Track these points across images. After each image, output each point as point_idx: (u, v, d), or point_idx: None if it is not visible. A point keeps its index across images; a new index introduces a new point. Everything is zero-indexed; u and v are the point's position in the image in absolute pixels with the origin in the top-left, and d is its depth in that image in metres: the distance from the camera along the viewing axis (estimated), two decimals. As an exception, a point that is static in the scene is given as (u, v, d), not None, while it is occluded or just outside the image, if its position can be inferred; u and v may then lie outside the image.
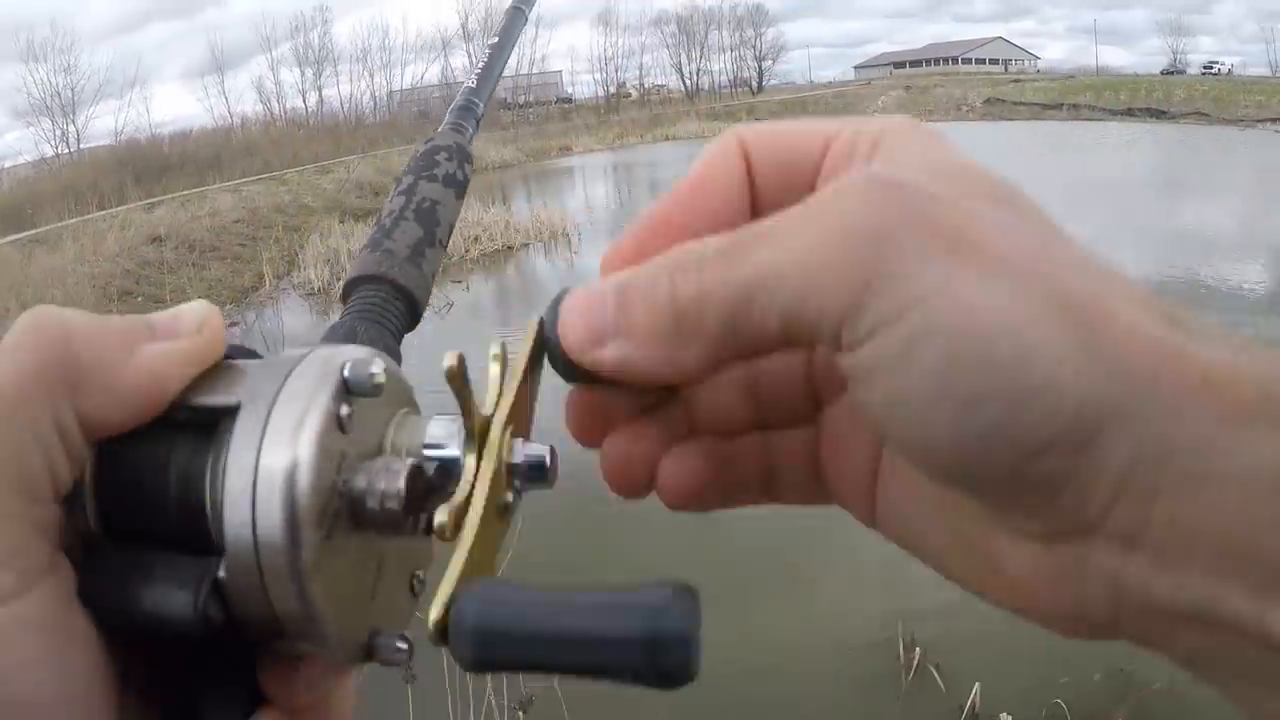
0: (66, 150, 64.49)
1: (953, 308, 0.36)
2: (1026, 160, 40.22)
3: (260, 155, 50.46)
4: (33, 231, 28.08)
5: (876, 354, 0.38)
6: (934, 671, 5.94)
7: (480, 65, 1.07)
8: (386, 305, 0.69)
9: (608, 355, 0.45)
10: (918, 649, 6.07)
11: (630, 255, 0.49)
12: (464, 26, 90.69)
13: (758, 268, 0.40)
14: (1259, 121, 52.03)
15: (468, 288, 19.82)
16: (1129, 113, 64.82)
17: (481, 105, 1.01)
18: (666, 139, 72.88)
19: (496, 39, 1.15)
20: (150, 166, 43.68)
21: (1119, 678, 5.71)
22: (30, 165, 59.50)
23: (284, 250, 25.15)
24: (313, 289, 20.64)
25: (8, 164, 61.75)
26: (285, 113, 79.97)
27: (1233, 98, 60.47)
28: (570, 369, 0.49)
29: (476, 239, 24.05)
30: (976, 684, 5.50)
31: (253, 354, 0.52)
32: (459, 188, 0.82)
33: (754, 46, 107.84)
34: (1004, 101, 76.57)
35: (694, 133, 75.44)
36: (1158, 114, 62.55)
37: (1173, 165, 36.68)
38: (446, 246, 0.79)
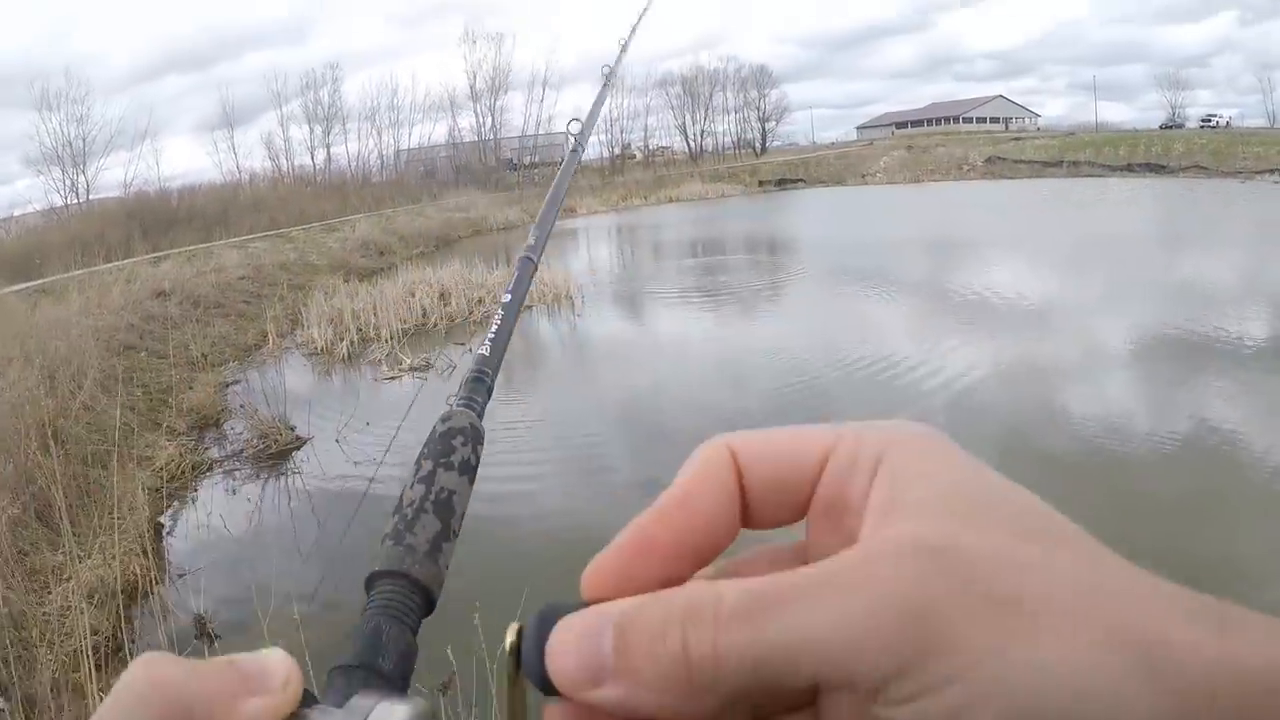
0: (75, 200, 64.86)
1: (1002, 673, 0.36)
2: (1030, 218, 40.48)
3: (267, 212, 50.75)
4: (39, 281, 28.21)
5: (924, 713, 0.37)
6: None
7: (493, 331, 1.15)
8: (407, 600, 0.73)
9: (604, 695, 0.43)
10: None
11: (616, 576, 0.48)
12: (472, 87, 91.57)
13: (791, 632, 0.39)
14: (1258, 173, 52.42)
15: (470, 349, 19.86)
16: (1129, 168, 65.30)
17: (493, 375, 1.09)
18: (670, 200, 73.37)
19: (509, 295, 1.26)
20: (158, 220, 43.87)
21: None
22: (39, 214, 59.82)
23: (288, 308, 25.32)
24: (316, 348, 20.76)
25: (17, 211, 62.11)
26: (293, 169, 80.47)
27: (1231, 150, 61.00)
28: (549, 684, 0.46)
29: (480, 301, 24.21)
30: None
31: (313, 698, 0.55)
32: (472, 473, 0.87)
33: (758, 108, 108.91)
34: (1005, 160, 77.18)
35: (698, 194, 75.88)
36: (1157, 168, 63.03)
37: (1173, 220, 36.93)
38: (459, 534, 0.83)
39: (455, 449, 0.87)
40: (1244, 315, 16.92)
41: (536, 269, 1.41)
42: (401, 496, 0.82)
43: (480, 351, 1.10)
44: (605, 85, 2.43)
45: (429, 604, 0.76)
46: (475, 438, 0.90)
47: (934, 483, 0.44)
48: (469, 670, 4.81)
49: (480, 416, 0.98)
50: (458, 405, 0.98)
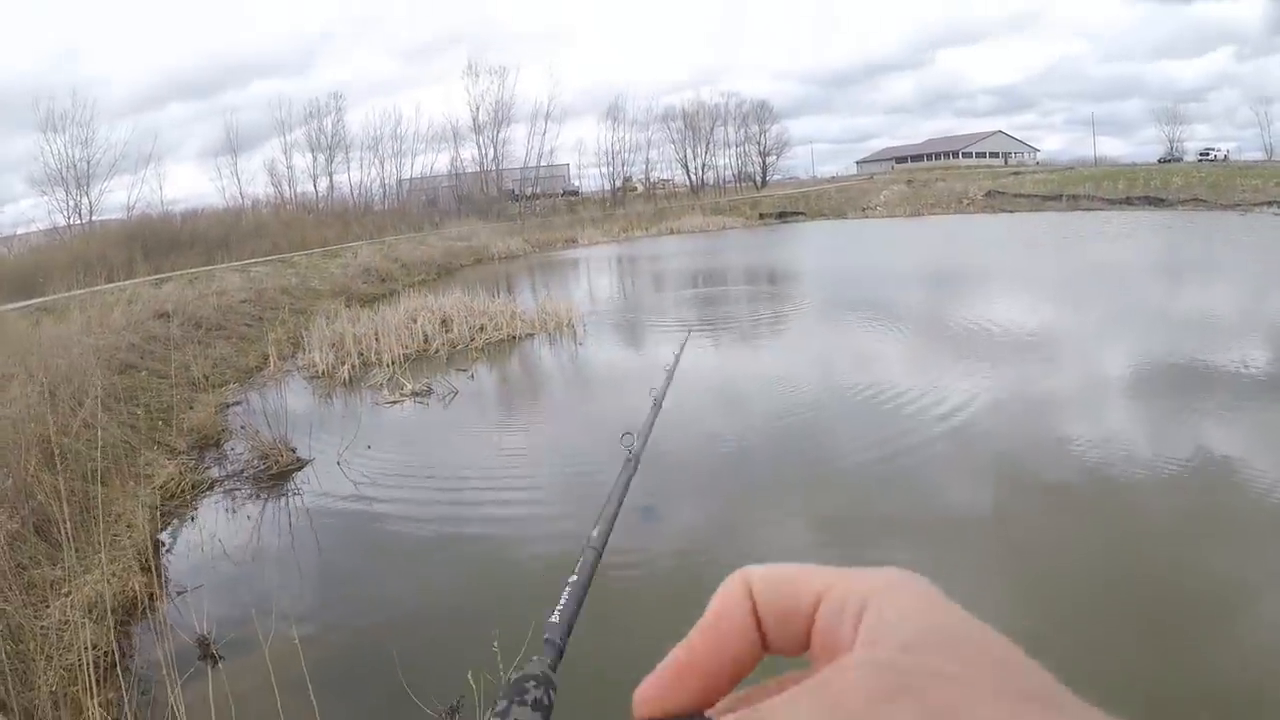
0: (79, 221, 65.00)
1: None
2: (1030, 253, 40.57)
3: (269, 237, 50.99)
4: (41, 299, 28.25)
5: None
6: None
7: (563, 602, 1.33)
8: None
9: None
10: None
11: (660, 698, 0.55)
12: (475, 119, 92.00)
13: None
14: (1255, 205, 52.72)
15: (473, 376, 19.91)
16: (1127, 201, 65.73)
17: (562, 640, 1.21)
18: (671, 232, 73.70)
19: (575, 577, 1.44)
20: (160, 242, 44.02)
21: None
22: (42, 233, 60.03)
23: (289, 332, 25.34)
24: (317, 372, 20.75)
25: (20, 230, 62.25)
26: (296, 196, 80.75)
27: (1230, 182, 61.38)
28: None
29: (482, 328, 24.22)
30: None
31: None
32: (545, 712, 0.95)
33: (758, 142, 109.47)
34: (1004, 194, 77.59)
35: (699, 226, 76.23)
36: (1156, 201, 63.41)
37: (1172, 253, 37.07)
38: None
39: (528, 690, 0.96)
40: (1244, 345, 16.93)
41: (599, 559, 1.65)
42: None
43: (550, 620, 1.26)
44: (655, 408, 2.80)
45: None
46: (548, 683, 0.99)
47: (905, 622, 0.48)
48: (481, 692, 4.75)
49: (554, 670, 1.07)
50: (534, 661, 1.08)
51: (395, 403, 17.73)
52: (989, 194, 78.73)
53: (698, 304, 31.30)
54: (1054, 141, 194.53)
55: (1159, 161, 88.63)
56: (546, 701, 0.95)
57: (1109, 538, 9.46)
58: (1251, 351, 16.71)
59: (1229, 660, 7.08)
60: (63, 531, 8.02)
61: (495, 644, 4.60)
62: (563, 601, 1.32)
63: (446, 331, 23.97)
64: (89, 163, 68.24)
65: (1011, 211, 71.20)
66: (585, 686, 6.99)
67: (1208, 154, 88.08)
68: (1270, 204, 52.89)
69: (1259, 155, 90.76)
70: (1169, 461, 11.42)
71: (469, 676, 4.76)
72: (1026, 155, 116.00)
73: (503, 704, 0.92)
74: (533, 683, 0.96)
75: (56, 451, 8.96)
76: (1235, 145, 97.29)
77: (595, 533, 1.71)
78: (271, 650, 5.81)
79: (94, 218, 65.37)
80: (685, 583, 9.21)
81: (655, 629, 8.30)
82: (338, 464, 13.47)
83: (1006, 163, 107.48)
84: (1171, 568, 8.63)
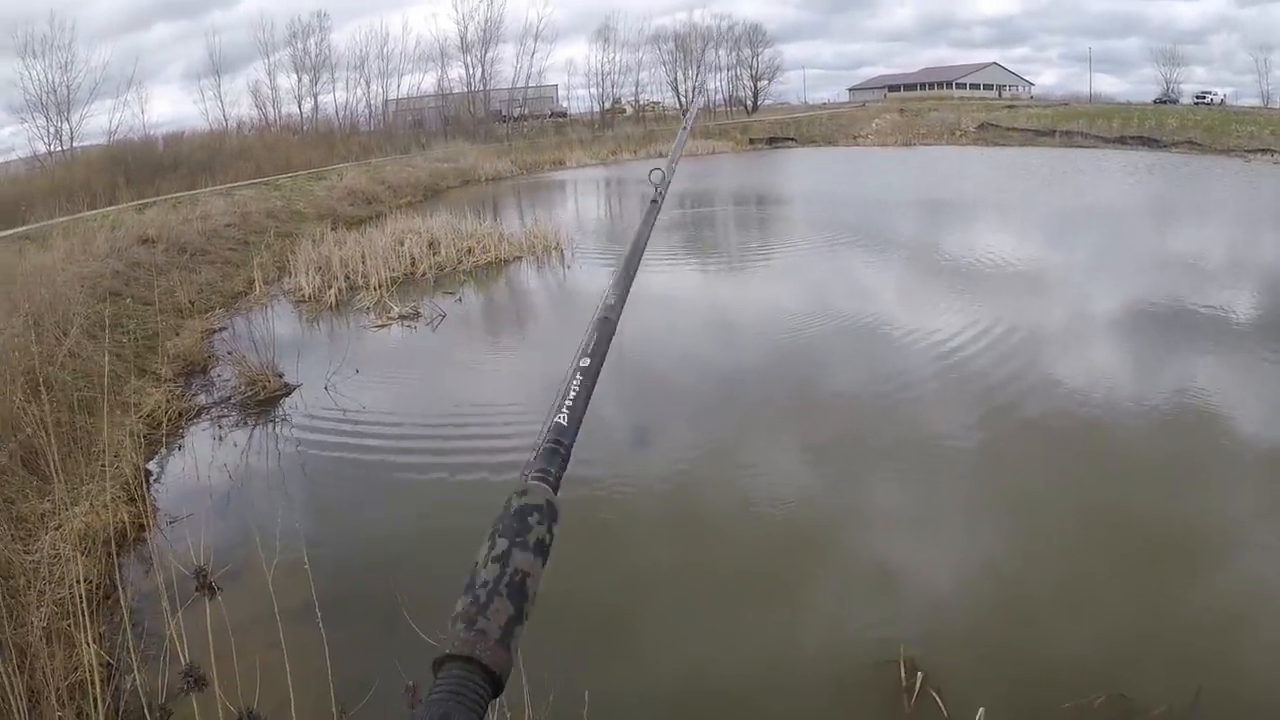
0: (60, 148, 64.14)
1: None
2: (1026, 188, 40.40)
3: (253, 160, 50.38)
4: (24, 228, 27.90)
5: None
6: (936, 697, 5.92)
7: (570, 397, 1.12)
8: (479, 689, 0.73)
9: None
10: (919, 674, 6.06)
11: None
12: (463, 38, 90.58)
13: None
14: (1251, 152, 52.53)
15: (460, 299, 19.81)
16: (1121, 140, 65.39)
17: (569, 446, 1.04)
18: (660, 155, 72.76)
19: (587, 360, 1.23)
20: (143, 167, 43.49)
21: (1120, 703, 5.71)
22: (23, 161, 59.21)
23: (275, 256, 25.12)
24: (303, 295, 20.60)
25: (0, 160, 61.42)
26: (280, 118, 79.72)
27: (1225, 127, 60.97)
28: None
29: (470, 250, 24.07)
30: (980, 709, 5.46)
31: None
32: (546, 553, 0.86)
33: (750, 66, 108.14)
34: (997, 126, 77.12)
35: (687, 150, 75.45)
36: (1150, 142, 63.08)
37: (1169, 194, 36.94)
38: (529, 617, 0.83)
39: (531, 527, 0.86)
40: (1230, 291, 16.93)
41: (614, 331, 1.39)
42: (474, 574, 0.83)
43: (557, 420, 1.07)
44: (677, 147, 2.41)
45: (496, 689, 0.77)
46: (551, 516, 0.89)
47: None
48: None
49: (555, 490, 0.95)
50: (532, 478, 0.95)
51: (383, 326, 17.66)
52: (982, 126, 78.24)
53: (686, 226, 31.14)
54: (1049, 76, 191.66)
55: (1155, 102, 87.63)
56: (549, 539, 0.87)
57: (1092, 472, 9.51)
58: (1240, 297, 16.74)
59: (1203, 593, 7.15)
60: (50, 463, 7.94)
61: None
62: (571, 395, 1.12)
63: (434, 254, 23.82)
64: (69, 88, 67.14)
65: (1004, 145, 70.82)
66: (581, 614, 7.05)
67: (1204, 97, 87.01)
68: (1266, 151, 52.57)
69: (1255, 101, 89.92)
70: (1152, 400, 11.48)
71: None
72: (1021, 89, 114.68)
73: (502, 544, 0.84)
74: (535, 516, 0.87)
75: (42, 382, 8.85)
76: (1232, 90, 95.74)
77: (612, 299, 1.47)
78: (271, 578, 5.77)
79: (75, 144, 64.43)
80: (678, 506, 9.24)
81: (649, 554, 8.34)
82: (326, 389, 13.41)
83: (1000, 95, 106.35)
84: (1152, 504, 8.70)
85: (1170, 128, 64.87)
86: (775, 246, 25.57)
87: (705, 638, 5.31)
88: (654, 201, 1.86)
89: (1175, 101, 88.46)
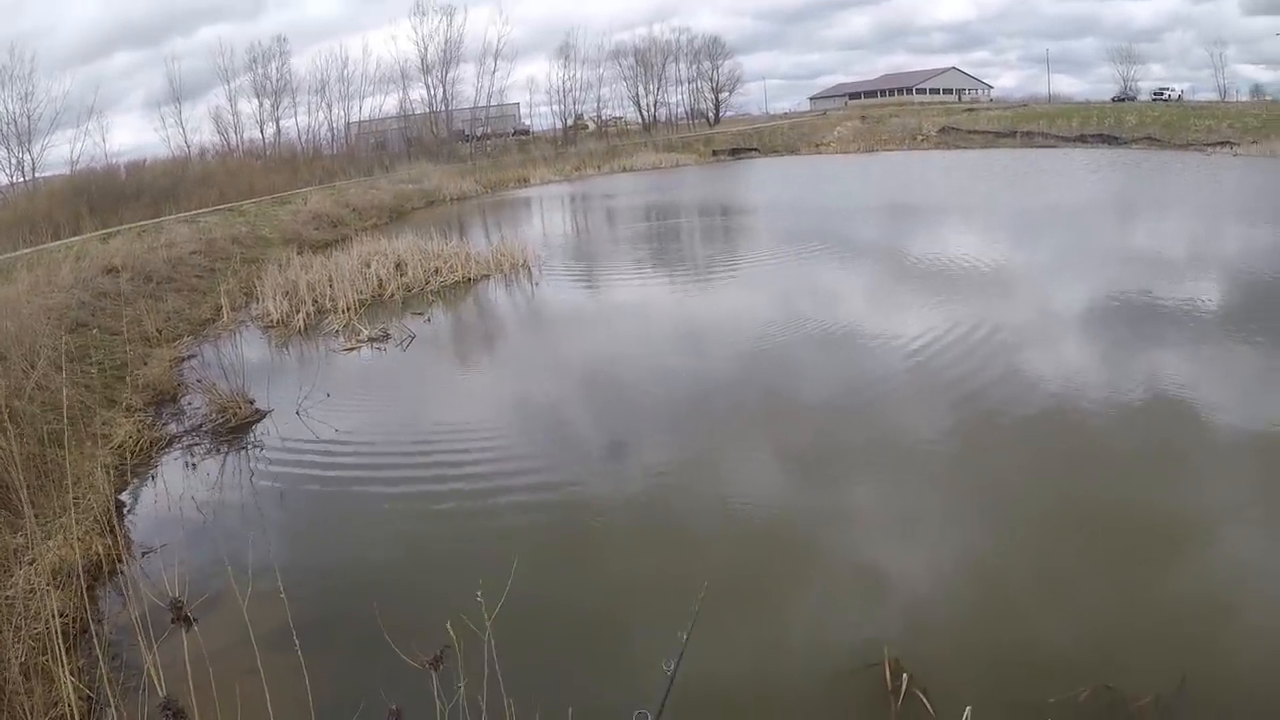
0: (22, 179, 63.60)
1: None
2: (989, 189, 40.71)
3: (217, 186, 50.07)
4: (-14, 262, 27.71)
5: None
6: (923, 697, 5.96)
7: None
8: None
9: None
10: (905, 674, 6.10)
11: None
12: (423, 59, 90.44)
13: None
14: (1209, 145, 53.25)
15: (429, 320, 19.78)
16: (1081, 139, 66.21)
17: None
18: (624, 170, 73.25)
19: None
20: (106, 196, 43.13)
21: (1106, 694, 5.77)
22: (-16, 194, 58.73)
23: (242, 282, 24.98)
24: (271, 321, 20.50)
25: (-39, 193, 60.77)
26: (242, 143, 79.37)
27: (1184, 122, 61.82)
28: None
29: (437, 271, 24.04)
30: (968, 709, 5.50)
31: None
32: None
33: (711, 79, 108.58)
34: (958, 130, 77.88)
35: (651, 164, 75.84)
36: (1110, 139, 63.86)
37: (1127, 190, 37.30)
38: None
39: None
40: (1195, 282, 17.12)
41: None
42: None
43: None
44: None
45: None
46: None
47: None
48: (465, 642, 4.74)
49: None
50: None
51: (352, 349, 17.59)
52: (943, 130, 79.08)
53: (652, 239, 31.23)
54: (1008, 79, 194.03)
55: (1113, 100, 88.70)
56: None
57: (1067, 466, 9.61)
58: (1207, 288, 16.96)
59: (1183, 581, 7.22)
60: (21, 498, 7.89)
61: (478, 594, 4.56)
62: None
63: (401, 275, 23.77)
64: (29, 118, 66.70)
65: (965, 148, 71.56)
66: (563, 622, 7.06)
67: (1162, 94, 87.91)
68: (1225, 144, 53.30)
69: (1213, 96, 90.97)
70: (1123, 392, 11.61)
71: (448, 626, 4.72)
72: (980, 92, 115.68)
73: None
74: None
75: (9, 415, 8.79)
76: (1189, 85, 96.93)
77: None
78: (246, 607, 5.75)
79: (37, 174, 63.95)
80: (657, 513, 9.26)
81: (629, 561, 8.36)
82: (297, 414, 13.36)
83: (960, 99, 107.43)
84: (1127, 495, 8.80)
85: (1129, 124, 65.72)
86: (741, 256, 25.63)
87: (689, 645, 5.30)
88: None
89: (1133, 99, 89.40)
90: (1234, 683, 5.89)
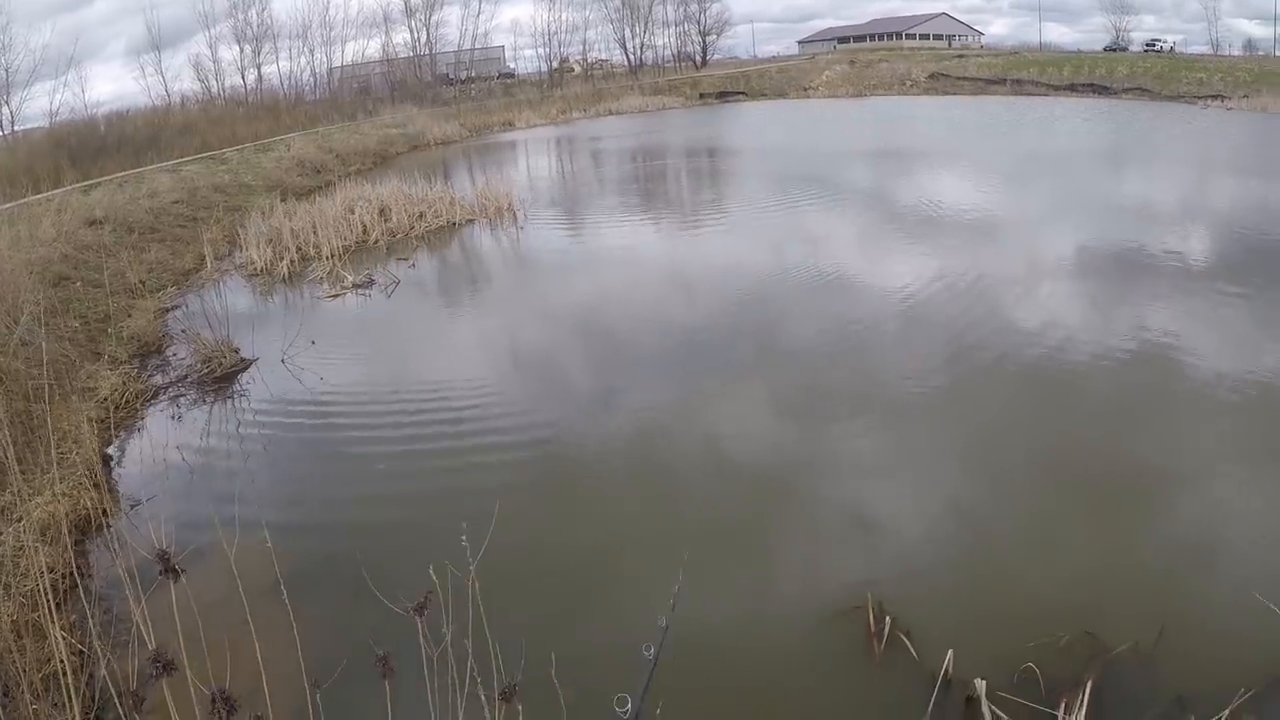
0: (1, 133, 62.98)
1: None
2: (977, 135, 40.59)
3: (198, 134, 49.62)
4: (-33, 216, 27.47)
5: None
6: (905, 640, 6.03)
7: None
8: None
9: None
10: (888, 618, 6.16)
11: None
12: (406, 2, 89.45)
13: None
14: (1200, 98, 53.08)
15: (414, 265, 19.71)
16: (1072, 88, 65.97)
17: None
18: (610, 113, 72.77)
19: None
20: (86, 148, 42.70)
21: (1087, 641, 5.83)
22: (-38, 149, 58.20)
23: (225, 230, 24.82)
24: (255, 269, 20.39)
25: (-61, 149, 60.18)
26: (224, 91, 78.50)
27: (1175, 74, 61.55)
28: None
29: (422, 215, 23.92)
30: (949, 651, 5.57)
31: None
32: None
33: (698, 21, 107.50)
34: (948, 76, 77.38)
35: (638, 107, 75.36)
36: (1100, 89, 63.63)
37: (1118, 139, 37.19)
38: None
39: None
40: (1183, 233, 17.10)
41: None
42: None
43: None
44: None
45: None
46: None
47: None
48: (448, 586, 4.72)
49: None
50: None
51: (337, 296, 17.54)
52: (932, 76, 78.45)
53: (638, 180, 31.07)
54: (1000, 26, 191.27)
55: (1105, 50, 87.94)
56: None
57: (1053, 414, 9.67)
58: (1199, 241, 16.95)
59: (1165, 529, 7.29)
60: (8, 454, 7.86)
61: (463, 539, 4.54)
62: None
63: (385, 221, 23.67)
64: (7, 70, 65.91)
65: (955, 94, 71.17)
66: (553, 569, 7.09)
67: (1154, 45, 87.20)
68: (1217, 98, 53.02)
69: (1205, 49, 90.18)
70: (1110, 341, 11.66)
71: (430, 571, 4.71)
72: (971, 39, 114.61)
73: None
74: None
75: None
76: (1181, 38, 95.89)
77: None
78: (234, 557, 5.75)
79: (16, 128, 63.31)
80: (646, 460, 9.28)
81: (618, 507, 8.38)
82: (282, 362, 13.34)
83: (950, 45, 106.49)
84: (1112, 443, 8.86)
85: (1120, 75, 65.37)
86: (729, 199, 25.54)
87: (676, 590, 5.34)
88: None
89: (1125, 49, 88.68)
90: (1212, 632, 5.96)
